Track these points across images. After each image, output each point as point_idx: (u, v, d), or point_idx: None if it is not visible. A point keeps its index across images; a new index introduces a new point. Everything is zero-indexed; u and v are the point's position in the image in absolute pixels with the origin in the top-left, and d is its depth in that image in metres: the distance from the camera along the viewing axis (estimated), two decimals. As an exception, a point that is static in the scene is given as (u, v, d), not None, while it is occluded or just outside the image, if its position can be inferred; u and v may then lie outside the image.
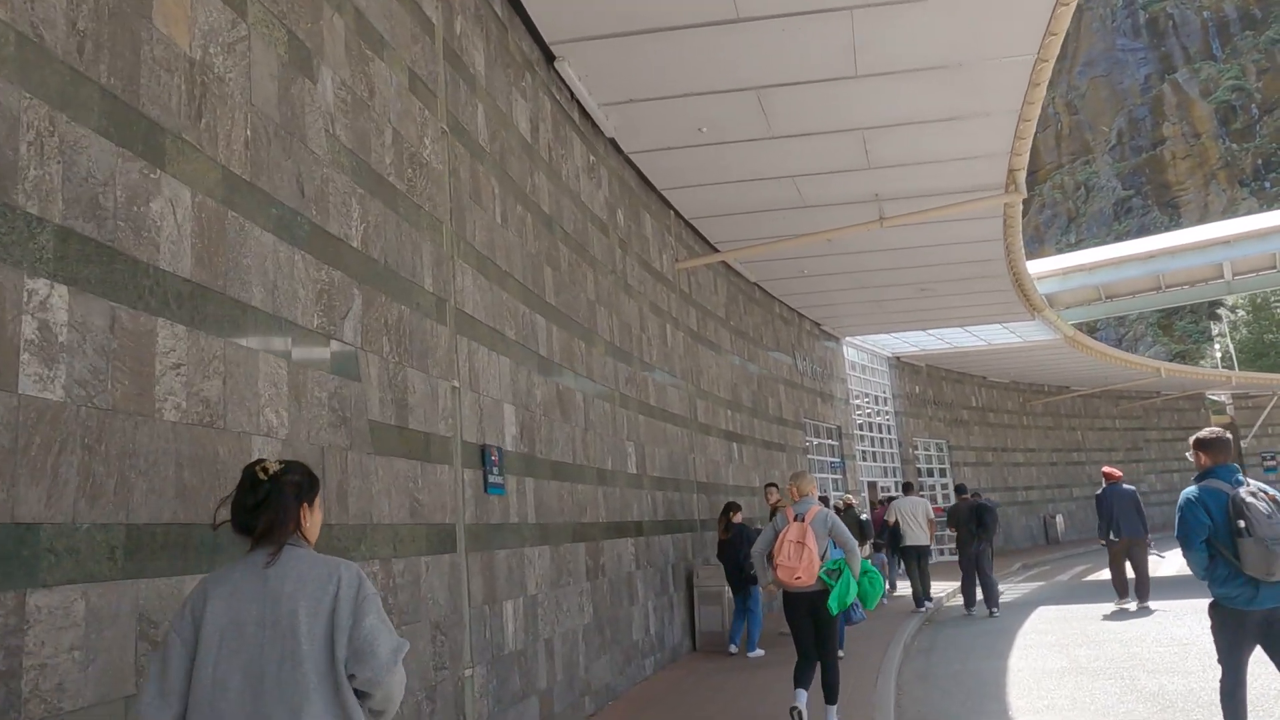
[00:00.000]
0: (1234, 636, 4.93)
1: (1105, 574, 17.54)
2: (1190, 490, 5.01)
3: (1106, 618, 12.97)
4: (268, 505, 2.63)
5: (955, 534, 14.84)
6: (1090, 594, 16.28)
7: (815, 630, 6.71)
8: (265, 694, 2.43)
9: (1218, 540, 4.83)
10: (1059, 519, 29.98)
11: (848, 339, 22.24)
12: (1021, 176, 11.90)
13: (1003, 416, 30.08)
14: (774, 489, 12.73)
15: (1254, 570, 4.69)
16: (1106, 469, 14.14)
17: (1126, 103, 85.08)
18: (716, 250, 14.14)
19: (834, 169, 11.63)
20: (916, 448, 25.44)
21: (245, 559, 2.63)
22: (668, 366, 12.13)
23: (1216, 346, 48.85)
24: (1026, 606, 15.24)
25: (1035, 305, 19.10)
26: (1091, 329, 44.73)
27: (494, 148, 7.44)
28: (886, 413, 24.51)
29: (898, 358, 25.06)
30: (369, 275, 5.13)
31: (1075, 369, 28.37)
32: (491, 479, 6.48)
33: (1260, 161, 77.74)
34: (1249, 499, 4.75)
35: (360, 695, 2.52)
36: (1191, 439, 5.25)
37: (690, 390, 12.98)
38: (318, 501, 2.81)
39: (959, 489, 16.11)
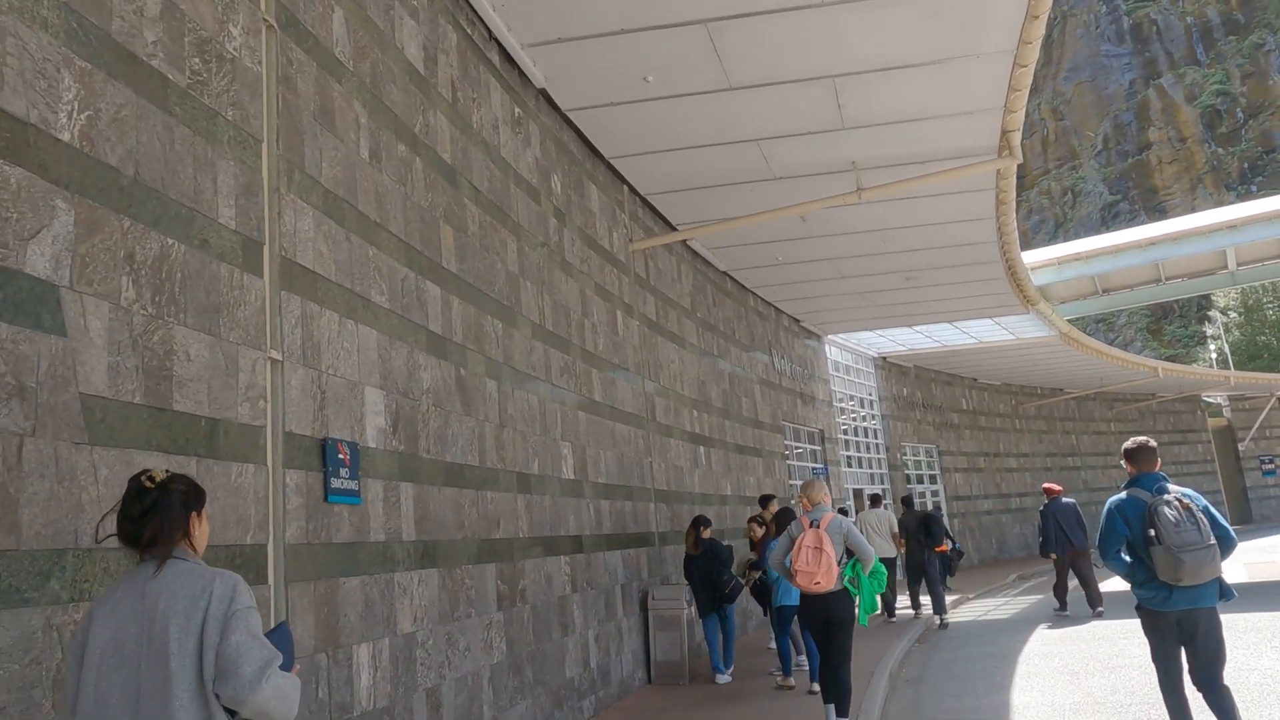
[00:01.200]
0: (1159, 636, 5.22)
1: (1111, 587, 15.95)
2: (1112, 499, 5.29)
3: (1054, 629, 11.33)
4: (154, 513, 2.58)
5: (905, 546, 14.90)
6: (1087, 608, 14.64)
7: (826, 633, 6.63)
8: (140, 714, 2.42)
9: (1136, 546, 5.12)
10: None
11: (830, 337, 20.66)
12: (1016, 139, 10.33)
13: (994, 420, 28.51)
14: (771, 504, 11.27)
15: (1164, 575, 4.96)
16: (1046, 485, 14.64)
17: (1112, 108, 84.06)
18: (675, 229, 12.53)
19: (803, 130, 10.05)
20: (905, 453, 23.84)
21: (130, 574, 2.59)
22: (618, 358, 10.52)
23: (1211, 348, 47.42)
24: (1026, 625, 13.61)
25: (1029, 297, 17.54)
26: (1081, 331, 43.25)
27: (361, 68, 5.83)
28: (872, 416, 22.92)
29: (884, 358, 23.48)
30: (94, 186, 3.51)
31: (1070, 369, 26.83)
32: (336, 483, 4.85)
33: (1246, 165, 76.62)
34: (1162, 508, 4.99)
35: (231, 712, 2.47)
36: (1122, 448, 5.50)
37: (647, 386, 11.36)
38: (204, 512, 2.75)
39: (905, 500, 15.96)
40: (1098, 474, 32.29)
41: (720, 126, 9.91)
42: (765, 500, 12.28)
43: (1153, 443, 5.40)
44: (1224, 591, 5.08)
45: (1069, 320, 22.08)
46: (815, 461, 19.17)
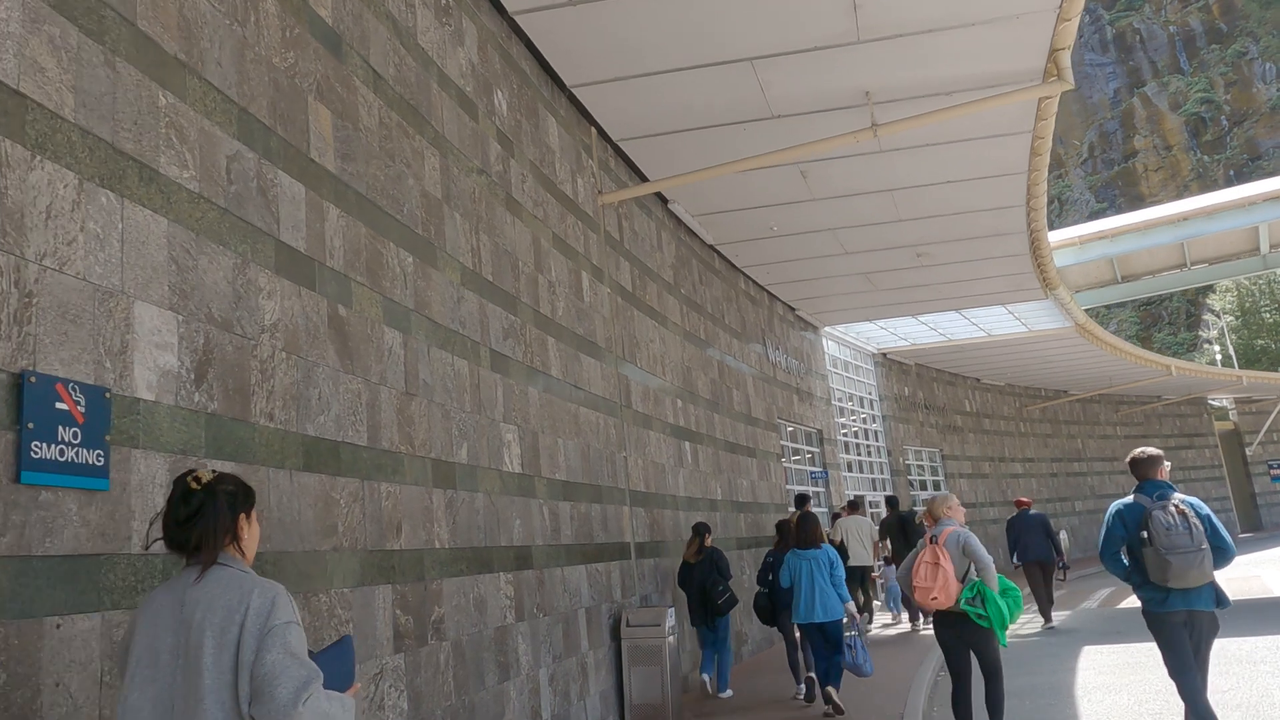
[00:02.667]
0: (1167, 641, 5.24)
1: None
2: (1114, 504, 5.48)
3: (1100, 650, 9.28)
4: (201, 517, 2.39)
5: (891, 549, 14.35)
6: (1140, 627, 12.58)
7: (975, 653, 6.31)
8: None
9: (1133, 549, 5.28)
10: (1063, 535, 26.20)
11: (828, 330, 18.64)
12: (1066, 60, 8.35)
13: (998, 423, 26.52)
14: (805, 506, 9.66)
15: (1155, 577, 5.12)
16: (1018, 498, 14.82)
17: (1097, 116, 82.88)
18: (645, 179, 10.46)
19: (809, 43, 8.03)
20: (907, 457, 21.81)
21: (175, 579, 2.40)
22: (584, 328, 8.45)
23: (1215, 349, 45.68)
24: (1066, 645, 11.54)
25: (1049, 280, 15.56)
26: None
27: None
28: (873, 417, 20.89)
29: (884, 354, 21.48)
30: None
31: (1080, 367, 24.90)
32: (44, 451, 2.76)
33: (1232, 172, 75.31)
34: (1156, 512, 5.12)
35: None
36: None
37: (621, 367, 9.29)
38: (254, 514, 2.54)
39: (889, 500, 15.33)
40: (1104, 480, 30.34)
41: (706, 40, 7.89)
42: (801, 501, 11.43)
43: (1152, 452, 5.50)
44: (1219, 598, 5.19)
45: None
46: (814, 465, 17.10)
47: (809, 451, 17.03)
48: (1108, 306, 52.25)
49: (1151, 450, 5.52)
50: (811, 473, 16.81)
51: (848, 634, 7.86)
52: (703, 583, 8.95)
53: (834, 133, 9.29)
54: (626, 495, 8.93)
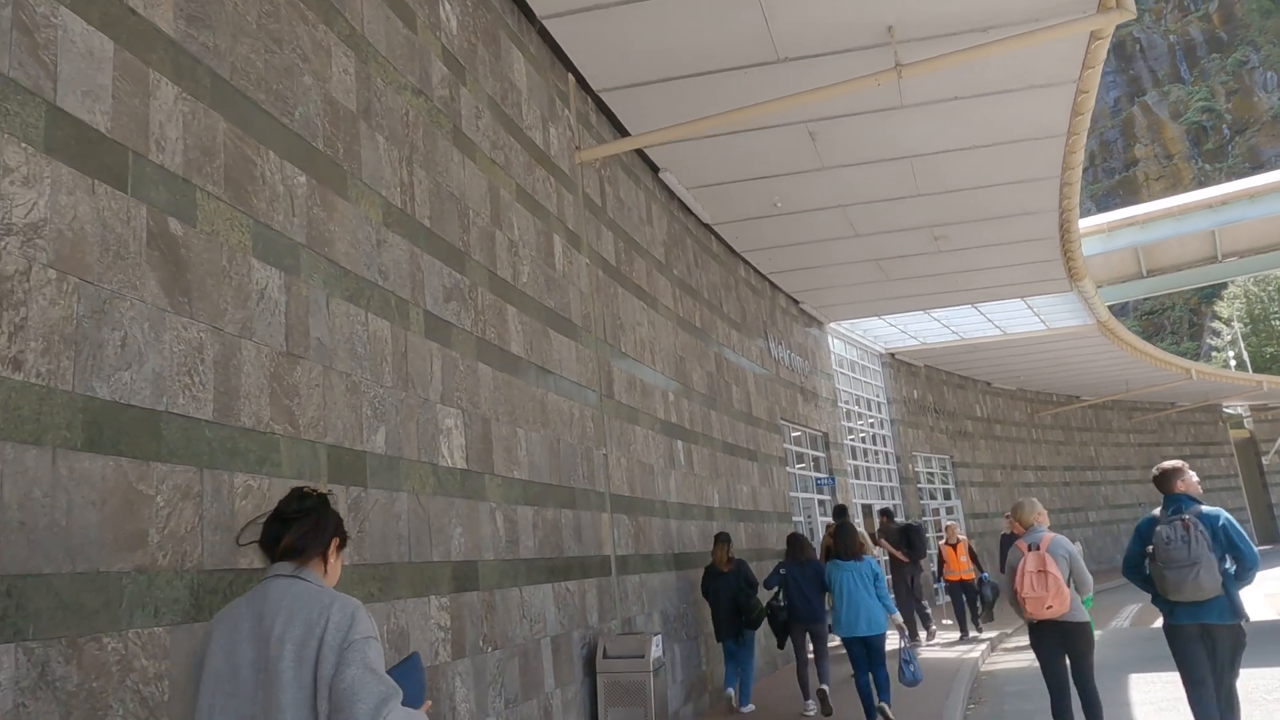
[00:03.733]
0: (1181, 652, 5.22)
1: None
2: (1141, 520, 5.45)
3: (1152, 679, 7.86)
4: (309, 516, 2.38)
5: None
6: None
7: (1072, 661, 6.01)
8: None
9: (1149, 563, 5.31)
10: (1078, 547, 24.73)
11: (834, 326, 17.23)
12: (1125, -15, 6.99)
13: (1010, 429, 25.08)
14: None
15: (1160, 590, 5.19)
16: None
17: (1098, 125, 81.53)
18: (626, 133, 9.05)
19: (823, -43, 6.66)
20: (916, 463, 20.36)
21: (253, 592, 2.31)
22: (556, 300, 7.04)
23: (1229, 354, 44.24)
24: (1108, 674, 10.06)
25: (1076, 269, 14.17)
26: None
27: None
28: (881, 421, 19.45)
29: (892, 354, 20.06)
30: None
31: (1096, 370, 23.47)
32: None
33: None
34: (1160, 526, 5.18)
35: None
36: None
37: (601, 348, 7.88)
38: (344, 549, 2.51)
39: (884, 512, 14.46)
40: (1118, 490, 28.88)
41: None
42: (840, 512, 11.53)
43: (1168, 466, 5.45)
44: (1235, 610, 5.07)
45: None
46: (819, 470, 15.66)
47: (814, 456, 15.59)
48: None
49: (1169, 464, 5.50)
50: (817, 479, 15.36)
51: (901, 643, 7.74)
52: (735, 595, 8.50)
53: (850, 75, 7.90)
54: (606, 500, 7.51)
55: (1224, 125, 78.19)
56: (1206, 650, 5.13)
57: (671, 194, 10.63)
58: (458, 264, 5.56)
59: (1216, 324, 49.72)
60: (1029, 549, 5.99)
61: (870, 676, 7.66)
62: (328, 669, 2.15)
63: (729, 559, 8.67)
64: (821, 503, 15.40)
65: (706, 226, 11.76)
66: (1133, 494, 29.27)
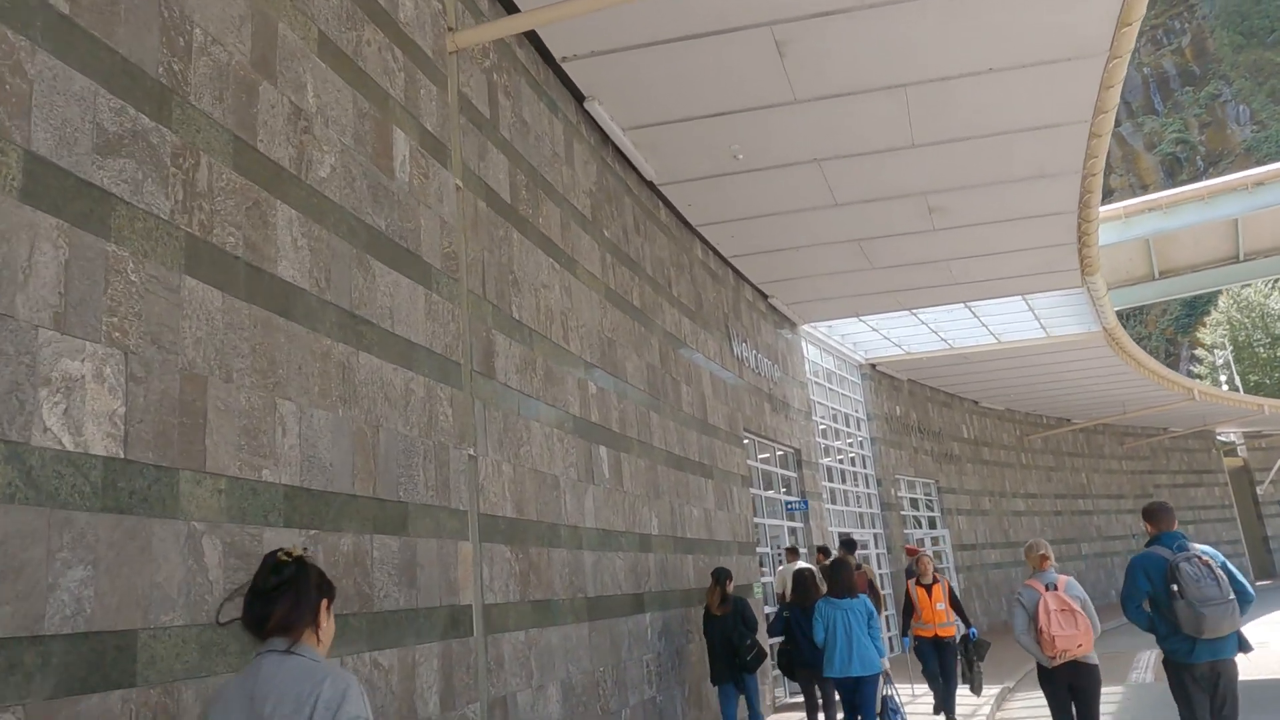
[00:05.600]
0: (1187, 692, 5.16)
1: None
2: (1135, 557, 5.38)
3: None
4: (288, 590, 2.26)
5: None
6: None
7: (1083, 703, 5.89)
8: None
9: (1159, 601, 5.17)
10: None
11: (808, 329, 14.87)
12: None
13: (999, 452, 22.78)
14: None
15: (1187, 628, 5.02)
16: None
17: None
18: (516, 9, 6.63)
19: None
20: (899, 488, 17.97)
21: (246, 669, 2.26)
22: (387, 218, 4.61)
23: (1221, 378, 42.32)
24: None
25: (1089, 258, 11.93)
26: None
27: None
28: (860, 440, 17.08)
29: (873, 365, 17.73)
30: None
31: (1093, 387, 21.25)
32: None
33: (1209, 212, 73.11)
34: (1183, 564, 5.07)
35: None
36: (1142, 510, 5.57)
37: (477, 306, 5.45)
38: (332, 608, 2.39)
39: (822, 550, 11.59)
40: (1110, 520, 26.60)
41: None
42: (849, 545, 10.75)
43: (1169, 505, 5.53)
44: (1243, 644, 5.17)
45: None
46: (790, 492, 13.23)
47: (784, 475, 13.16)
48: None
49: (1165, 501, 5.59)
50: (788, 503, 12.92)
51: (886, 692, 7.51)
52: (728, 636, 7.74)
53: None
54: (472, 523, 5.03)
55: (1198, 157, 77.32)
56: (1208, 690, 5.13)
57: (604, 137, 8.26)
58: (150, 103, 3.13)
59: (1200, 351, 47.89)
60: (1045, 589, 5.85)
61: None
62: None
63: (723, 600, 7.79)
64: (793, 530, 12.96)
65: (652, 188, 9.39)
66: (1125, 525, 27.02)
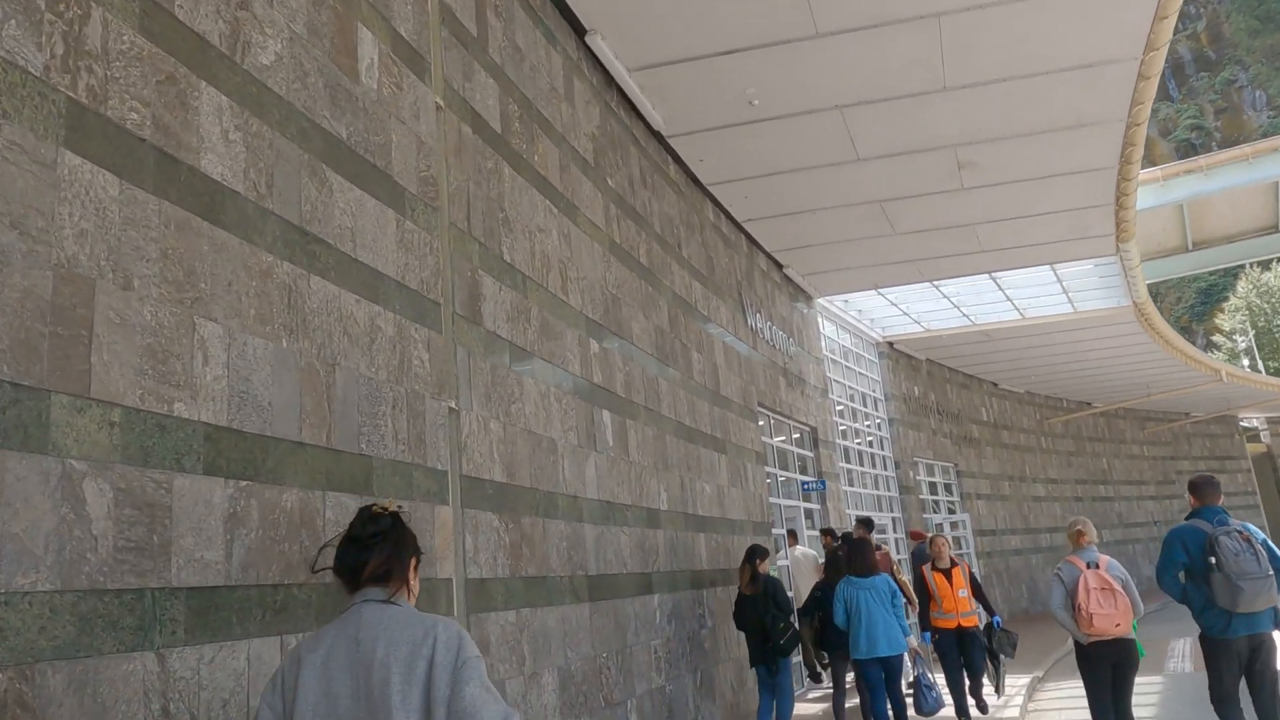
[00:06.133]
0: (1220, 668, 5.12)
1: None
2: (1174, 529, 5.38)
3: None
4: (386, 539, 2.22)
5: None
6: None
7: (1118, 680, 5.79)
8: None
9: (1195, 573, 5.16)
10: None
11: (825, 303, 14.14)
12: None
13: (1018, 436, 22.01)
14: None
15: (1223, 602, 5.00)
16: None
17: (1087, 141, 79.37)
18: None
19: None
20: (918, 470, 17.24)
21: (340, 619, 2.17)
22: (350, 127, 3.89)
23: (1245, 363, 41.35)
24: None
25: (1126, 222, 11.17)
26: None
27: None
28: (878, 420, 16.34)
29: (890, 344, 16.98)
30: None
31: (1117, 368, 20.47)
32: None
33: (1225, 198, 71.87)
34: (1222, 538, 5.05)
35: None
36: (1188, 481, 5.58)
37: (460, 242, 4.75)
38: (419, 571, 2.37)
39: (864, 522, 10.43)
40: (1132, 507, 25.79)
41: None
42: (869, 524, 10.07)
43: (1216, 479, 5.49)
44: (1278, 619, 5.10)
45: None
46: (806, 472, 12.53)
47: (800, 455, 12.45)
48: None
49: (1214, 476, 5.56)
50: (804, 483, 12.22)
51: (915, 671, 7.39)
52: (760, 619, 7.23)
53: None
54: (453, 485, 4.36)
55: (1213, 143, 75.94)
56: (1244, 665, 5.10)
57: (608, 78, 7.54)
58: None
59: (1217, 338, 46.88)
60: (1086, 566, 5.80)
61: (886, 704, 6.99)
62: (442, 689, 2.01)
63: (752, 579, 7.31)
64: (809, 512, 12.25)
65: (660, 141, 8.68)
66: (1147, 511, 26.21)
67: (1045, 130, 8.75)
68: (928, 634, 8.22)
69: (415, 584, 2.31)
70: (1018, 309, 15.17)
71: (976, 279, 13.65)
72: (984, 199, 10.28)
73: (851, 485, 14.28)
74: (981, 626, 8.19)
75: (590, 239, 6.74)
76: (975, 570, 13.62)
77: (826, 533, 10.85)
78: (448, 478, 4.33)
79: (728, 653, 8.22)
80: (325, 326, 3.56)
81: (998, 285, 13.87)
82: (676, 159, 9.07)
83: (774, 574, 8.30)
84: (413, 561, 2.29)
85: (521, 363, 5.31)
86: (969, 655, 7.98)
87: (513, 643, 4.70)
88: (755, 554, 7.39)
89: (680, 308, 8.59)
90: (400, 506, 2.32)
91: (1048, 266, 13.14)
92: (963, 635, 8.00)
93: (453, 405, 4.47)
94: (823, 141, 8.81)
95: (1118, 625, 5.62)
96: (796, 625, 7.29)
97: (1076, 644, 5.87)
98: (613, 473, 6.42)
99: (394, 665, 2.03)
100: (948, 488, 18.71)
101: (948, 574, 8.15)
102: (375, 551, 2.19)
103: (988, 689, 8.29)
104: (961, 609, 8.04)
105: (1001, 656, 8.02)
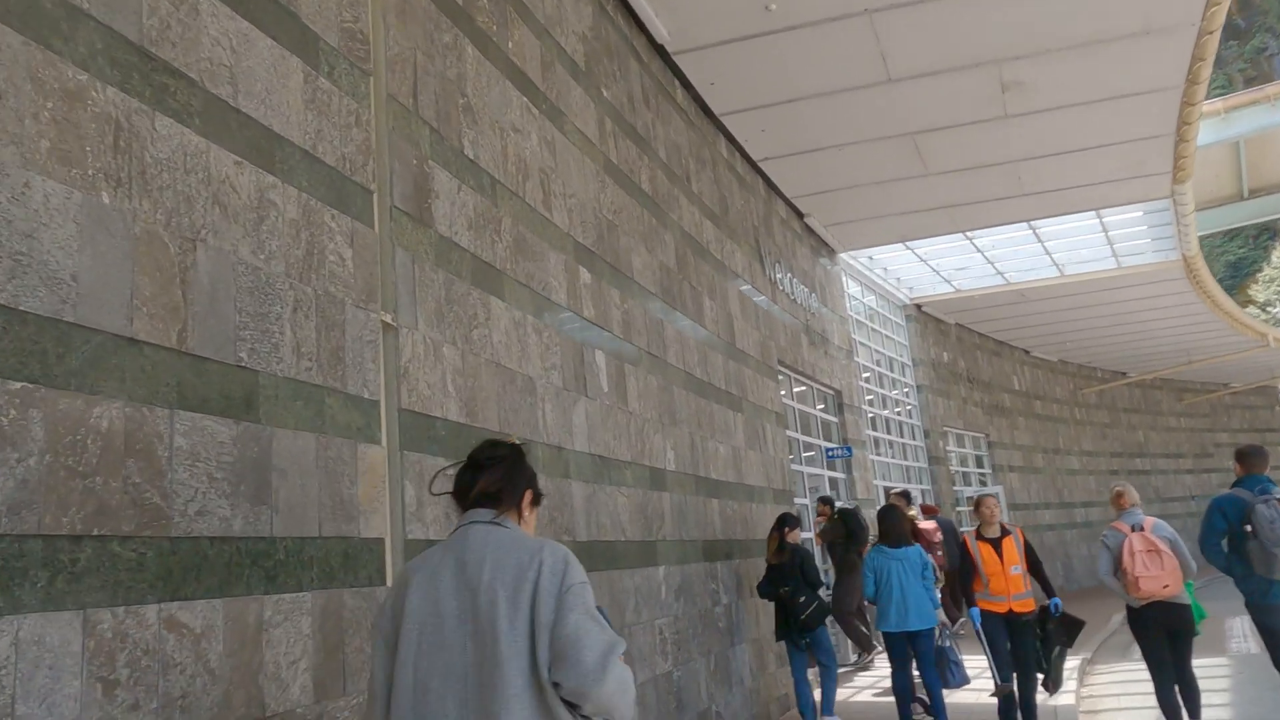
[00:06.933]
0: (1273, 629, 5.24)
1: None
2: (1215, 498, 5.47)
3: None
4: (502, 463, 2.16)
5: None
6: None
7: (1174, 644, 5.60)
8: (467, 700, 1.90)
9: (1235, 542, 5.24)
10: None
11: (848, 258, 13.04)
12: None
13: (1051, 407, 20.82)
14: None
15: (1259, 569, 5.11)
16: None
17: (1112, 113, 77.30)
18: None
19: None
20: (948, 441, 16.14)
21: (449, 539, 2.12)
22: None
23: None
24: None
25: (1185, 158, 10.01)
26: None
27: None
28: (906, 387, 15.25)
29: (918, 306, 15.85)
30: None
31: (1158, 332, 19.25)
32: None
33: (1255, 169, 69.69)
34: (1259, 506, 5.10)
35: (570, 705, 1.93)
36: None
37: (401, 118, 3.72)
38: (537, 507, 2.27)
39: (903, 494, 10.16)
40: (1169, 480, 24.54)
41: None
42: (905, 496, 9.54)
43: (1264, 449, 5.56)
44: None
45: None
46: (830, 439, 11.49)
47: (824, 419, 11.41)
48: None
49: (1262, 446, 5.60)
50: (828, 450, 11.18)
51: (945, 644, 6.81)
52: (780, 589, 6.82)
53: None
54: (385, 419, 3.37)
55: (1242, 113, 73.76)
56: None
57: (602, -24, 6.49)
58: None
59: (1251, 309, 45.17)
60: (1131, 530, 5.61)
61: (910, 677, 6.64)
62: (546, 615, 1.91)
63: (779, 548, 6.86)
64: (833, 481, 11.22)
65: (666, 59, 7.62)
66: (1185, 485, 24.95)
67: (1105, 39, 7.60)
68: (975, 610, 6.98)
69: (531, 517, 2.22)
70: (1057, 265, 14.01)
71: (1014, 231, 12.51)
72: (1029, 129, 9.14)
73: (878, 453, 13.22)
74: (1043, 614, 6.37)
75: (580, 153, 5.72)
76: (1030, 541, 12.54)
77: (825, 501, 9.84)
78: (379, 410, 3.34)
79: (745, 632, 7.24)
80: (182, 187, 2.56)
81: (1037, 237, 12.72)
82: (685, 83, 8.02)
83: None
84: (528, 493, 2.21)
85: (488, 281, 4.30)
86: (1021, 648, 6.25)
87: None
88: (784, 522, 6.90)
89: (690, 247, 7.56)
90: (522, 440, 2.16)
91: (1093, 214, 11.97)
92: (1014, 622, 6.23)
93: (388, 319, 3.47)
94: (849, 57, 7.72)
95: (1166, 587, 5.45)
96: (823, 598, 6.74)
97: (1128, 609, 5.70)
98: (608, 423, 5.42)
99: (500, 589, 1.95)
100: (979, 459, 17.60)
101: (997, 545, 6.36)
102: (487, 472, 2.13)
103: (1041, 694, 6.55)
104: (1014, 589, 6.23)
105: (1058, 648, 6.32)
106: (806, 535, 9.78)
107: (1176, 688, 5.58)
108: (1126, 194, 11.07)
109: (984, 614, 6.35)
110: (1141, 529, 5.61)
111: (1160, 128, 9.26)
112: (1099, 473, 21.77)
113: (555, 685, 1.91)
